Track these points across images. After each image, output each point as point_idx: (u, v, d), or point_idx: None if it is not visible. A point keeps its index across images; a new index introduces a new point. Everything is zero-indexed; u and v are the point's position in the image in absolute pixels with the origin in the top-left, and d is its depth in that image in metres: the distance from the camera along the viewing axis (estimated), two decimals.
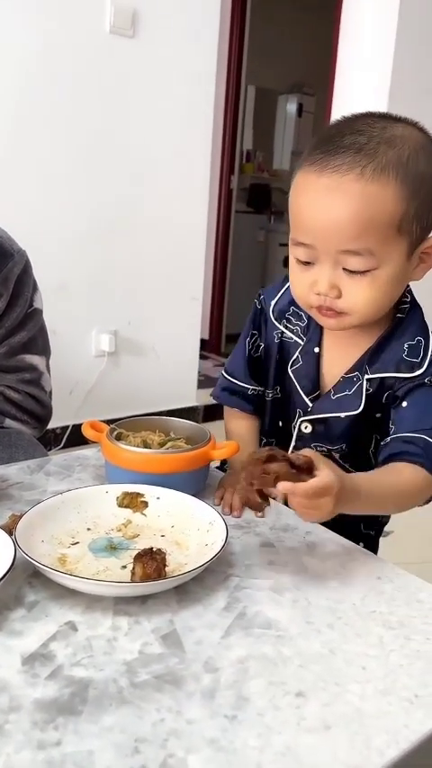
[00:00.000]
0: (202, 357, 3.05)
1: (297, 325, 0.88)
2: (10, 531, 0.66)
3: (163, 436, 0.86)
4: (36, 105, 2.21)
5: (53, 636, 0.54)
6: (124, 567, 0.64)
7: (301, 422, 0.87)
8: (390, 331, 0.82)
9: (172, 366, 2.79)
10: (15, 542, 0.60)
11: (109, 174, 2.43)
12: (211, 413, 2.92)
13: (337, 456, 0.86)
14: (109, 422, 0.87)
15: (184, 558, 0.65)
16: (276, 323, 0.90)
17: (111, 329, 2.58)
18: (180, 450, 0.80)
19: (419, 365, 0.79)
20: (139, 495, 0.74)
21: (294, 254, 0.76)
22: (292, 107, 5.75)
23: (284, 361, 0.89)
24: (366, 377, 0.82)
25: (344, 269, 0.73)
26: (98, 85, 2.33)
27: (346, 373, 0.83)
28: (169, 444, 0.83)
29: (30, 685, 0.48)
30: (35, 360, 1.17)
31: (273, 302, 0.91)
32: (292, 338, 0.89)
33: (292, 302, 0.87)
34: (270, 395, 0.92)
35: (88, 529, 0.70)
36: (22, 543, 0.61)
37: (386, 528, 0.98)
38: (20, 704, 0.46)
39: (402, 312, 0.82)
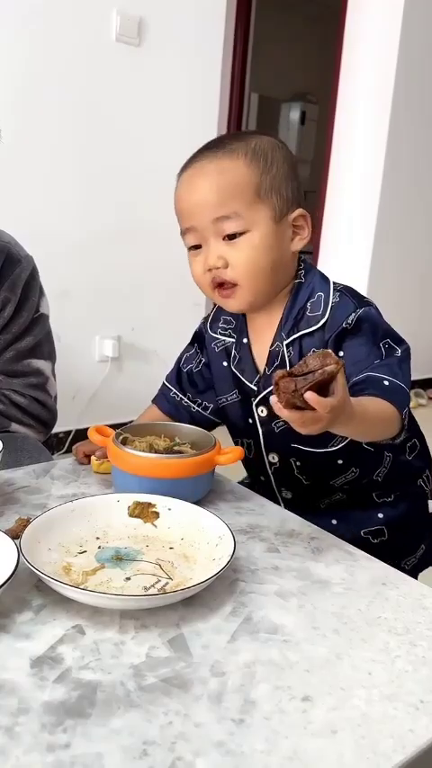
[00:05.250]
0: None
1: (228, 328, 0.97)
2: (16, 534, 0.67)
3: (168, 441, 0.87)
4: (41, 112, 2.22)
5: (61, 639, 0.54)
6: (128, 578, 0.63)
7: (255, 406, 0.93)
8: (293, 297, 0.90)
9: None
10: (19, 549, 0.60)
11: (112, 180, 2.45)
12: None
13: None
14: (112, 426, 0.88)
15: (190, 573, 0.65)
16: (213, 334, 0.99)
17: (114, 335, 2.58)
18: (186, 456, 0.80)
19: (322, 315, 0.86)
20: (150, 505, 0.74)
21: (186, 243, 0.88)
22: (295, 115, 5.78)
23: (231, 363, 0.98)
24: (285, 342, 0.88)
25: (223, 239, 0.83)
26: (103, 93, 2.35)
27: (270, 347, 0.90)
28: (175, 449, 0.84)
29: (38, 688, 0.49)
30: (41, 364, 1.17)
31: (208, 321, 1.01)
32: (228, 340, 0.97)
33: (219, 310, 0.98)
34: (226, 399, 0.98)
35: (97, 538, 0.70)
36: (28, 549, 0.61)
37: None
38: (29, 707, 0.47)
39: (300, 278, 0.90)
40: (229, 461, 0.82)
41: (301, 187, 0.90)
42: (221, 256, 0.84)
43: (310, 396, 0.58)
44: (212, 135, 2.79)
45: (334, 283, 0.89)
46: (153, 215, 2.59)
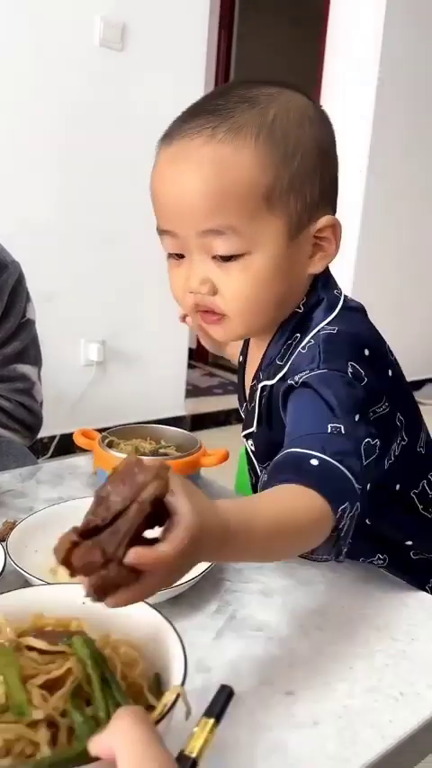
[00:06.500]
0: (189, 366, 3.06)
1: None
2: (3, 537, 0.68)
3: (154, 444, 0.88)
4: (25, 117, 2.22)
5: None
6: None
7: (245, 438, 0.75)
8: (281, 331, 0.68)
9: (160, 375, 2.81)
10: (6, 551, 0.61)
11: (96, 185, 2.45)
12: (199, 422, 2.93)
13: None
14: (98, 431, 0.89)
15: None
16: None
17: (99, 339, 2.59)
18: (171, 458, 0.81)
19: (284, 366, 0.65)
20: None
21: (163, 246, 0.65)
22: None
23: None
24: (260, 384, 0.69)
25: (213, 258, 0.61)
26: (87, 98, 2.35)
27: (252, 381, 0.72)
28: (160, 452, 0.85)
29: None
30: (27, 370, 1.18)
31: None
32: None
33: None
34: None
35: None
36: (15, 552, 0.62)
37: None
38: None
39: (300, 306, 0.67)
40: (213, 463, 0.84)
41: (337, 178, 0.65)
42: (207, 280, 0.62)
43: (136, 556, 0.36)
44: None
45: (328, 325, 0.64)
46: (138, 218, 2.59)
